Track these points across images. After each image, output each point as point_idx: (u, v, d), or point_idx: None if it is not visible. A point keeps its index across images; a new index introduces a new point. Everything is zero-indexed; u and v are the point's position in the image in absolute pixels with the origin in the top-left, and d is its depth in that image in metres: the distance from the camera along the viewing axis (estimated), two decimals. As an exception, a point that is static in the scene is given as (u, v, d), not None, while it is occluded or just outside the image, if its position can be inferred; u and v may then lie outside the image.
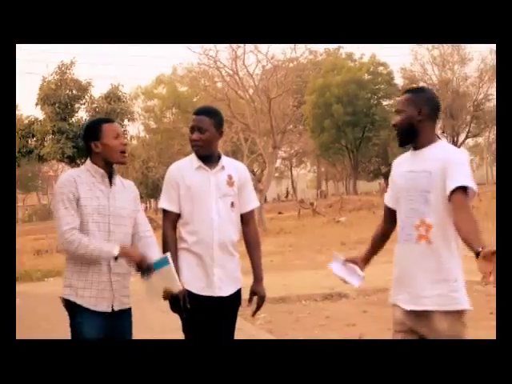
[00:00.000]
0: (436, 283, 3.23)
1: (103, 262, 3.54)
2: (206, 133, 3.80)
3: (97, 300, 3.55)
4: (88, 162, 3.65)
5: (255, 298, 3.94)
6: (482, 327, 6.11)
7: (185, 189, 3.78)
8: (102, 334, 3.52)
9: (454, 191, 3.15)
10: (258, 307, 3.97)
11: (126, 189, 3.75)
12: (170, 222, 3.84)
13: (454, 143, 58.39)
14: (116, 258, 3.51)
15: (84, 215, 3.52)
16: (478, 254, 2.91)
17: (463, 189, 3.15)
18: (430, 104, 3.39)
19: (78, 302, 3.52)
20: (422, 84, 58.45)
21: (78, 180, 3.56)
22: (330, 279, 9.85)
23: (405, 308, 3.31)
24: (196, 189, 3.78)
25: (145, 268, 3.55)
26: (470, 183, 3.16)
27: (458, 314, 3.23)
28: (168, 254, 3.58)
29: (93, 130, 3.66)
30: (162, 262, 3.55)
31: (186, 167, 3.86)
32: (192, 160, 3.87)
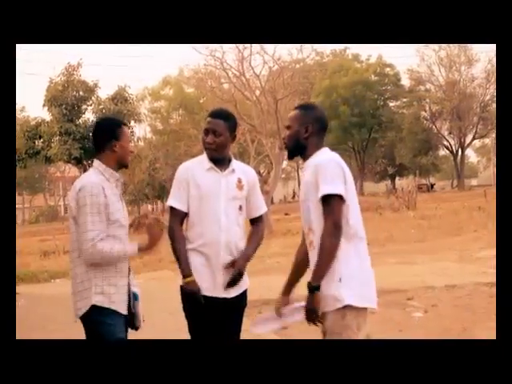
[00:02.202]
0: (325, 284, 3.23)
1: (125, 265, 3.58)
2: (221, 137, 3.79)
3: (124, 304, 3.59)
4: (99, 163, 3.61)
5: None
6: (483, 327, 6.11)
7: (195, 188, 3.77)
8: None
9: (322, 200, 3.23)
10: (234, 280, 3.78)
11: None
12: (177, 219, 3.82)
13: (461, 144, 58.35)
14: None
15: (113, 221, 3.53)
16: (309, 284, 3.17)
17: (329, 196, 3.20)
18: (317, 122, 3.45)
19: (113, 307, 3.51)
20: (428, 85, 58.55)
21: (105, 186, 3.53)
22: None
23: None
24: (206, 189, 3.77)
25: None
26: (329, 190, 3.20)
27: (340, 312, 3.21)
28: (138, 292, 3.73)
29: (114, 129, 3.64)
30: (136, 296, 3.72)
31: (197, 168, 3.85)
32: (203, 161, 3.86)
